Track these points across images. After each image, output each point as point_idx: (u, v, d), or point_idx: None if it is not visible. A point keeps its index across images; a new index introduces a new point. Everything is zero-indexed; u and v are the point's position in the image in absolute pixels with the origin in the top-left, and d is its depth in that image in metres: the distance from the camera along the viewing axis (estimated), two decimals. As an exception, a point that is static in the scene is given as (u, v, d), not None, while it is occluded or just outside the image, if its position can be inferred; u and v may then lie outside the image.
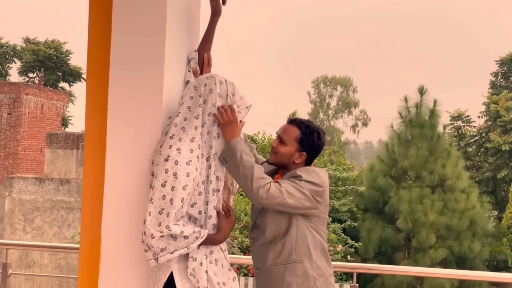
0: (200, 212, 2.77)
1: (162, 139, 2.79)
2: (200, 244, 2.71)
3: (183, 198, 2.65)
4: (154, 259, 2.65)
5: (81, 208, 3.06)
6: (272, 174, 3.25)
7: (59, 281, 18.05)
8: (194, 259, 2.69)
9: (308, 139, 3.11)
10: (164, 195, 2.61)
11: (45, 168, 23.07)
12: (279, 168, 3.21)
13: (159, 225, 2.60)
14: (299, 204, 2.97)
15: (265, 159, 3.36)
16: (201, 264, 2.69)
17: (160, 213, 2.61)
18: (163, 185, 2.62)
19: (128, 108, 2.91)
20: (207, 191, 2.78)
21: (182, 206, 2.66)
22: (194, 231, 2.67)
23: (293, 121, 3.18)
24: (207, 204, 2.78)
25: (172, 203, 2.62)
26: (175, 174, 2.62)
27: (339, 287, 5.08)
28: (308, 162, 3.17)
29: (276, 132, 3.20)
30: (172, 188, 2.62)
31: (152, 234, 2.60)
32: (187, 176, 2.64)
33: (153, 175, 2.71)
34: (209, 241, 2.74)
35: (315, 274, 3.04)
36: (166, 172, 2.62)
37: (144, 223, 2.63)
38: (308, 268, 3.03)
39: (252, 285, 5.35)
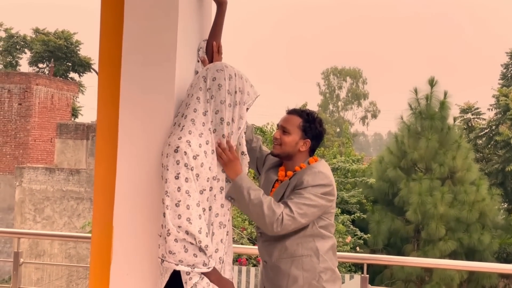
0: (210, 208, 2.75)
1: (171, 130, 2.77)
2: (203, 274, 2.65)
3: (203, 191, 2.66)
4: (161, 259, 2.64)
5: (93, 198, 3.08)
6: (276, 166, 3.26)
7: (69, 270, 18.17)
8: (188, 273, 2.62)
9: (311, 125, 3.14)
10: (179, 187, 2.58)
11: (55, 158, 23.22)
12: (284, 160, 3.21)
13: (179, 218, 2.56)
14: (313, 217, 3.02)
15: (269, 151, 3.38)
16: (190, 278, 2.62)
17: (177, 205, 2.57)
18: (177, 177, 2.59)
19: (140, 98, 2.92)
20: (216, 188, 2.78)
21: (200, 198, 2.64)
22: (206, 254, 2.62)
23: (294, 111, 3.21)
24: (215, 201, 2.78)
25: (189, 195, 2.59)
26: (186, 165, 2.60)
27: (349, 278, 5.09)
28: (312, 150, 3.20)
29: (277, 124, 3.21)
30: (186, 180, 2.59)
31: (169, 230, 2.56)
32: (191, 170, 2.61)
33: (163, 167, 2.67)
34: (209, 275, 2.67)
35: (322, 267, 3.05)
36: (178, 164, 2.59)
37: (164, 216, 2.59)
38: (315, 262, 3.04)
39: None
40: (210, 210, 2.75)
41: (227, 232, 2.90)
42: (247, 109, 2.89)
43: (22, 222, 19.05)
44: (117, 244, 2.93)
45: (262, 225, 2.94)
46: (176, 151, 2.61)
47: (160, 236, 2.65)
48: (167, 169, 2.62)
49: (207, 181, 2.71)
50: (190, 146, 2.63)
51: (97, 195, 3.04)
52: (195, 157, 2.63)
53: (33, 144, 23.98)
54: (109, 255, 2.94)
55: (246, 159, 2.97)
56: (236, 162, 2.88)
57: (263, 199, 2.90)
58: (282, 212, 2.89)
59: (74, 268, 18.10)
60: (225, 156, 2.82)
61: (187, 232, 2.57)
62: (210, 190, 2.74)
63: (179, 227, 2.56)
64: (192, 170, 2.61)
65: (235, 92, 2.81)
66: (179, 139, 2.64)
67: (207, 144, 2.73)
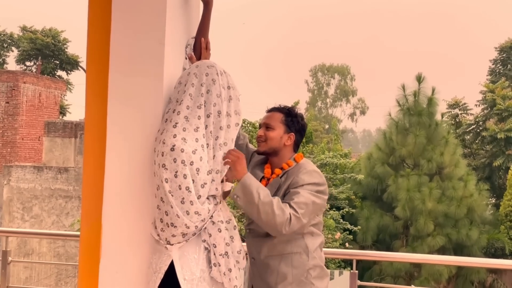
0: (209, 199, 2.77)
1: (163, 127, 2.76)
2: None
3: (204, 184, 2.68)
4: (166, 243, 2.70)
5: (82, 195, 3.07)
6: (261, 164, 3.27)
7: (57, 269, 18.08)
8: (212, 223, 2.74)
9: (293, 119, 3.19)
10: (179, 185, 2.61)
11: (43, 157, 23.07)
12: (270, 156, 3.21)
13: (188, 214, 2.62)
14: (312, 216, 3.04)
15: (256, 148, 3.39)
16: (219, 230, 2.75)
17: (182, 202, 2.61)
18: (176, 176, 2.61)
19: (128, 95, 2.91)
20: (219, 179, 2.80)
21: (200, 192, 2.67)
22: (209, 209, 2.72)
23: (274, 108, 3.25)
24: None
25: (189, 191, 2.61)
26: (183, 162, 2.61)
27: (338, 274, 5.10)
28: (296, 146, 3.22)
29: (260, 123, 3.25)
30: (185, 176, 2.61)
31: (187, 224, 2.63)
32: (191, 164, 2.62)
33: (157, 165, 2.67)
34: (224, 189, 2.82)
35: (311, 264, 3.06)
36: (175, 162, 2.61)
37: (178, 217, 2.62)
38: (304, 259, 3.05)
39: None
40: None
41: None
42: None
43: (10, 221, 18.94)
44: (106, 242, 2.93)
45: (270, 225, 2.89)
46: (172, 149, 2.62)
47: (155, 224, 2.73)
48: (166, 168, 2.63)
49: (208, 174, 2.72)
50: (186, 142, 2.64)
51: (86, 193, 3.03)
52: (194, 152, 2.65)
53: (20, 143, 23.84)
54: (98, 253, 2.93)
55: None
56: (242, 161, 2.89)
57: (272, 199, 2.89)
58: (290, 212, 2.89)
59: (63, 267, 18.02)
60: (231, 156, 2.84)
61: (202, 220, 2.69)
62: (211, 182, 2.75)
63: (191, 219, 2.64)
64: (191, 165, 2.63)
65: (228, 87, 2.85)
66: (174, 137, 2.65)
67: (203, 137, 2.74)
